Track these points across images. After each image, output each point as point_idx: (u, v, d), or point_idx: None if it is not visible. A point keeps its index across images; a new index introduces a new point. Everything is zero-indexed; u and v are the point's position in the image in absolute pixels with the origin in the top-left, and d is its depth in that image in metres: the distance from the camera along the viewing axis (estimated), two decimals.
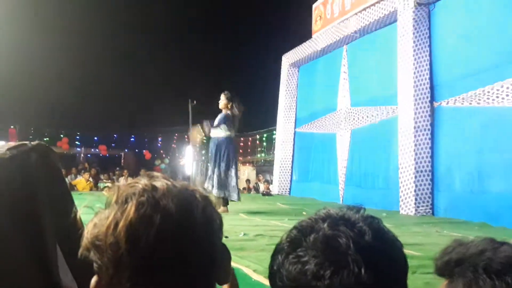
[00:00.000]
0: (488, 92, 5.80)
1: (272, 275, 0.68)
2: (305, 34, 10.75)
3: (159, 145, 20.33)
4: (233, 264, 2.78)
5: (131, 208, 0.61)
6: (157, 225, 0.60)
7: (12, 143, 0.85)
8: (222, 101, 5.93)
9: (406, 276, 0.67)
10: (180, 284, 0.61)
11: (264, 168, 18.03)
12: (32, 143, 0.88)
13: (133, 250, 0.60)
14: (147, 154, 19.17)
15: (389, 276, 0.63)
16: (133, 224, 0.60)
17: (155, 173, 0.68)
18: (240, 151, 18.51)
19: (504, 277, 0.69)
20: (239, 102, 5.96)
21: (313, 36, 10.31)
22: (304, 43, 10.40)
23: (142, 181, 0.65)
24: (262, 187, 14.49)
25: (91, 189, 11.99)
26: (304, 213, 6.39)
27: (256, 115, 18.96)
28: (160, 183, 0.65)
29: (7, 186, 0.80)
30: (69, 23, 16.85)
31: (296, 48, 10.73)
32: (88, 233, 0.63)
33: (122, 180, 13.33)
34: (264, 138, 17.47)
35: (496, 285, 0.69)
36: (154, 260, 0.60)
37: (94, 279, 0.63)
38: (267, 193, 11.02)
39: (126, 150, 19.97)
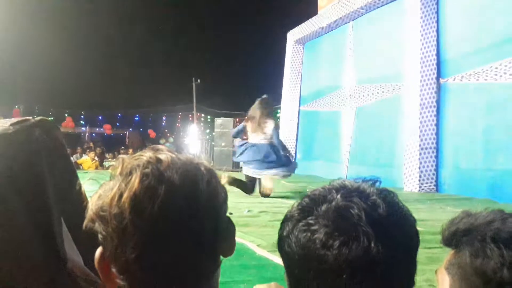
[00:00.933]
0: (496, 68, 5.73)
1: (281, 241, 0.68)
2: (311, 10, 10.61)
3: (163, 124, 20.38)
4: (237, 239, 2.82)
5: (135, 179, 0.61)
6: (161, 196, 0.60)
7: (14, 119, 0.85)
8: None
9: (417, 252, 0.66)
10: (185, 256, 0.62)
11: None
12: (35, 118, 0.87)
13: (137, 221, 0.60)
14: (151, 133, 19.22)
15: (399, 251, 0.62)
16: (137, 195, 0.60)
17: (160, 146, 0.68)
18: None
19: (511, 247, 0.68)
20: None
21: (319, 12, 10.19)
22: (310, 20, 10.28)
23: (146, 154, 0.65)
24: None
25: (96, 168, 12.10)
26: (308, 190, 6.42)
27: (261, 93, 18.92)
28: (165, 155, 0.64)
29: (12, 161, 0.80)
30: (72, 3, 16.69)
31: (301, 24, 10.62)
32: (92, 204, 0.63)
33: None
34: None
35: (503, 254, 0.68)
36: (159, 231, 0.60)
37: (99, 250, 0.63)
38: None
39: (130, 129, 20.05)
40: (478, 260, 0.70)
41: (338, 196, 0.65)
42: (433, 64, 6.69)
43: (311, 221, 0.64)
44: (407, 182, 6.72)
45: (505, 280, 0.67)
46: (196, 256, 0.63)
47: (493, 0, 5.85)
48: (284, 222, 0.69)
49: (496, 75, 5.74)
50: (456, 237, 0.74)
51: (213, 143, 15.76)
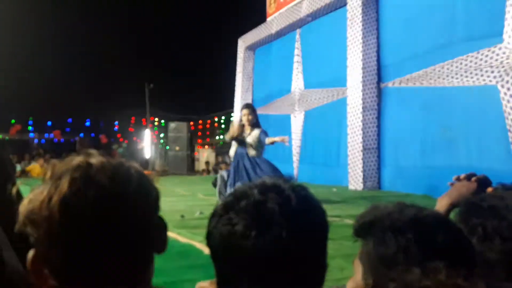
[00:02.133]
0: (430, 73, 6.06)
1: (208, 236, 0.73)
2: (260, 17, 10.72)
3: (115, 129, 19.78)
4: (186, 240, 2.84)
5: (64, 183, 0.62)
6: (90, 199, 0.61)
7: None
8: (245, 113, 5.11)
9: (326, 241, 0.72)
10: (115, 254, 0.63)
11: (223, 150, 17.99)
12: None
13: (67, 223, 0.61)
14: (103, 139, 18.63)
15: (309, 240, 0.68)
16: (66, 198, 0.61)
17: (92, 151, 0.69)
18: (199, 133, 18.42)
19: (405, 234, 0.74)
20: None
21: (268, 19, 10.30)
22: (259, 26, 10.37)
23: (77, 158, 0.66)
24: (221, 167, 14.53)
25: None
26: None
27: (214, 97, 18.85)
28: (95, 160, 0.66)
29: None
30: (14, 3, 15.87)
31: (251, 31, 10.68)
32: (23, 208, 0.63)
33: None
34: (222, 120, 17.41)
35: (398, 240, 0.74)
36: (88, 233, 0.61)
37: (31, 253, 0.63)
38: None
39: (81, 134, 19.29)
40: (380, 248, 0.75)
41: (256, 192, 0.70)
42: (374, 69, 6.95)
43: (232, 216, 0.68)
44: (352, 181, 6.95)
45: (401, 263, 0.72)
46: (128, 254, 0.64)
47: (428, 9, 6.17)
48: (210, 218, 0.73)
49: (431, 79, 6.07)
50: (363, 228, 0.79)
51: (167, 147, 15.54)
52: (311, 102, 8.64)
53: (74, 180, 0.62)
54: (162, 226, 0.70)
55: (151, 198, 0.68)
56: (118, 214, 0.63)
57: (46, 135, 18.68)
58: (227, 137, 5.09)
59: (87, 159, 0.66)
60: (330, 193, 6.17)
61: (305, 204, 0.70)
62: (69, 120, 19.03)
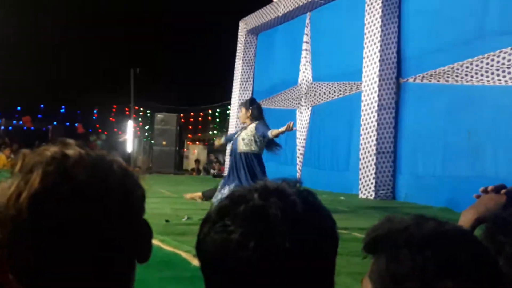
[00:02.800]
0: (458, 69, 6.06)
1: (199, 243, 0.72)
2: None
3: (94, 117, 19.79)
4: (171, 249, 2.84)
5: (36, 177, 0.61)
6: (65, 197, 0.60)
7: None
8: (242, 110, 5.42)
9: (335, 254, 0.71)
10: (91, 259, 0.62)
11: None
12: None
13: (36, 223, 0.60)
14: (80, 128, 18.60)
15: (316, 251, 0.67)
16: (37, 195, 0.60)
17: (69, 140, 0.68)
18: (189, 127, 18.41)
19: (423, 251, 0.73)
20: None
21: None
22: (264, 7, 10.35)
23: (51, 149, 0.65)
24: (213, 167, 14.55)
25: None
26: None
27: (209, 87, 18.83)
28: (73, 151, 0.65)
29: None
30: None
31: (255, 12, 10.67)
32: None
33: None
34: (217, 114, 17.40)
35: (415, 258, 0.73)
36: (61, 235, 0.60)
37: None
38: (219, 175, 11.06)
39: (54, 122, 19.30)
40: (393, 266, 0.74)
41: (256, 196, 0.69)
42: (393, 63, 6.96)
43: (228, 222, 0.67)
44: (362, 188, 6.97)
45: (416, 285, 0.71)
46: (105, 261, 0.63)
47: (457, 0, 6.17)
48: (202, 223, 0.72)
49: (457, 76, 6.07)
50: (374, 243, 0.78)
51: (152, 141, 15.56)
52: (320, 96, 8.65)
53: (47, 174, 0.61)
54: (146, 232, 0.69)
55: (135, 198, 0.67)
56: (96, 215, 0.62)
57: (14, 121, 18.67)
58: (216, 144, 5.30)
59: (63, 150, 0.65)
60: (337, 201, 6.18)
61: (312, 212, 0.69)
62: (42, 105, 19.02)
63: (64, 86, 18.95)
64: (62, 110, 19.43)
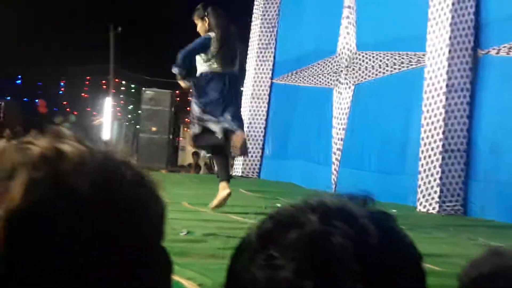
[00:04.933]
0: None
1: (230, 279, 0.70)
2: None
3: (61, 92, 20.02)
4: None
5: (17, 188, 0.59)
6: (59, 216, 0.58)
7: None
8: (197, 23, 5.82)
9: None
10: None
11: None
12: None
13: (16, 257, 0.58)
14: (41, 106, 18.85)
15: None
16: (19, 212, 0.58)
17: (63, 130, 0.65)
18: (187, 108, 18.46)
19: None
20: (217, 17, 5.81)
21: None
22: None
23: (41, 142, 0.62)
24: None
25: None
26: (278, 205, 6.51)
27: None
28: (70, 147, 0.62)
29: None
30: None
31: None
32: None
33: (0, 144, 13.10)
34: None
35: None
36: (51, 270, 0.58)
37: None
38: None
39: (7, 98, 19.54)
40: None
41: (314, 219, 0.67)
42: (469, 28, 6.91)
43: (274, 253, 0.66)
44: (422, 199, 6.94)
45: None
46: None
47: None
48: (236, 252, 0.71)
49: None
50: (478, 284, 0.79)
51: (138, 126, 15.68)
52: (366, 71, 8.62)
53: (34, 182, 0.59)
54: (165, 263, 0.69)
55: (153, 216, 0.66)
56: (102, 241, 0.60)
57: None
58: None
59: (56, 145, 0.62)
60: (395, 216, 6.12)
61: (390, 242, 0.68)
62: None
63: (20, 50, 19.13)
64: (18, 81, 19.66)
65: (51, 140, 0.62)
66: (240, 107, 6.42)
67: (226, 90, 5.71)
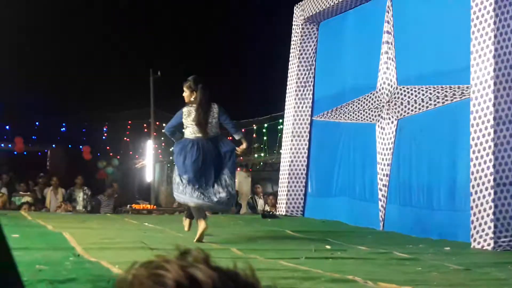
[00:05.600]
0: None
1: None
2: None
3: (104, 137, 20.27)
4: None
5: None
6: None
7: None
8: (185, 90, 6.82)
9: None
10: None
11: (265, 175, 17.99)
12: None
13: None
14: (86, 152, 19.10)
15: None
16: None
17: (190, 250, 0.66)
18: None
19: None
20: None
21: None
22: None
23: (172, 267, 0.63)
24: (261, 203, 14.51)
25: (4, 206, 11.92)
26: (327, 246, 6.42)
27: (253, 95, 18.96)
28: (202, 274, 0.63)
29: None
30: None
31: None
32: None
33: (49, 193, 13.33)
34: (264, 130, 17.46)
35: None
36: None
37: None
38: (270, 214, 11.02)
39: (53, 145, 19.88)
40: None
41: None
42: None
43: None
44: (476, 235, 6.73)
45: None
46: None
47: None
48: None
49: None
50: None
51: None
52: (409, 106, 8.55)
53: None
54: None
55: None
56: None
57: (1, 145, 19.37)
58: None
59: (189, 271, 0.63)
60: (442, 254, 6.00)
61: None
62: (37, 124, 19.68)
63: (64, 98, 19.54)
64: (63, 129, 20.00)
65: (181, 264, 0.63)
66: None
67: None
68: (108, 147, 19.89)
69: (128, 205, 13.74)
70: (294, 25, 11.36)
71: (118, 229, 7.90)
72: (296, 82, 11.23)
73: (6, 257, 0.91)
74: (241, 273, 0.71)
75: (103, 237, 6.56)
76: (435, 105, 8.09)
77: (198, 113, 6.61)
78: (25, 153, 19.50)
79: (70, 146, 19.82)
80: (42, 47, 19.27)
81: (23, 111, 18.94)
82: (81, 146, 19.37)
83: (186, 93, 6.73)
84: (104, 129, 20.05)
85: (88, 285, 3.37)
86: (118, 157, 19.65)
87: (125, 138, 20.00)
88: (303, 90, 11.20)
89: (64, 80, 19.25)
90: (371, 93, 9.41)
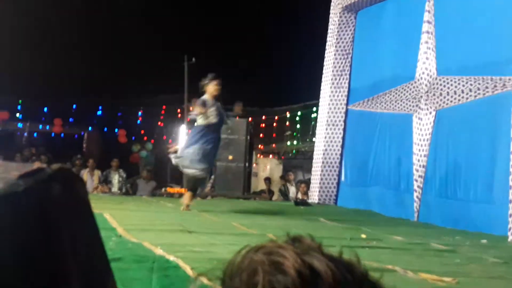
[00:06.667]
0: None
1: None
2: None
3: (139, 121, 20.47)
4: None
5: None
6: None
7: (21, 165, 0.86)
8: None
9: None
10: None
11: (296, 163, 17.99)
12: (51, 167, 0.88)
13: None
14: (121, 135, 19.31)
15: None
16: None
17: (302, 237, 0.66)
18: (261, 135, 18.54)
19: None
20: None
21: None
22: None
23: (289, 254, 0.62)
24: (293, 190, 14.53)
25: None
26: (363, 235, 6.39)
27: (288, 82, 18.91)
28: (322, 265, 0.61)
29: (21, 228, 0.82)
30: None
31: None
32: None
33: (85, 175, 13.52)
34: (297, 118, 17.43)
35: None
36: None
37: None
38: (302, 202, 11.03)
39: (90, 128, 20.14)
40: None
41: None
42: None
43: None
44: None
45: None
46: None
47: None
48: None
49: None
50: None
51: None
52: (448, 97, 8.45)
53: None
54: None
55: None
56: None
57: (40, 126, 19.65)
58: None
59: (306, 260, 0.61)
60: (480, 246, 5.91)
61: None
62: (74, 106, 19.92)
63: (101, 83, 19.74)
64: (99, 112, 20.22)
65: (297, 252, 0.62)
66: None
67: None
68: (142, 131, 20.06)
69: (163, 188, 13.87)
70: (332, 13, 11.33)
71: (155, 211, 8.00)
72: (332, 71, 11.19)
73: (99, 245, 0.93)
74: (355, 263, 0.68)
75: (142, 219, 6.65)
76: (475, 96, 7.98)
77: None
78: (62, 135, 19.79)
79: (105, 129, 20.04)
80: (83, 32, 19.50)
81: (61, 94, 19.19)
82: (116, 130, 19.58)
83: (213, 89, 8.30)
84: (139, 113, 20.22)
85: (134, 265, 3.42)
86: (152, 141, 19.81)
87: (159, 123, 20.16)
88: (339, 79, 11.16)
89: (102, 64, 19.42)
90: (409, 83, 9.34)
